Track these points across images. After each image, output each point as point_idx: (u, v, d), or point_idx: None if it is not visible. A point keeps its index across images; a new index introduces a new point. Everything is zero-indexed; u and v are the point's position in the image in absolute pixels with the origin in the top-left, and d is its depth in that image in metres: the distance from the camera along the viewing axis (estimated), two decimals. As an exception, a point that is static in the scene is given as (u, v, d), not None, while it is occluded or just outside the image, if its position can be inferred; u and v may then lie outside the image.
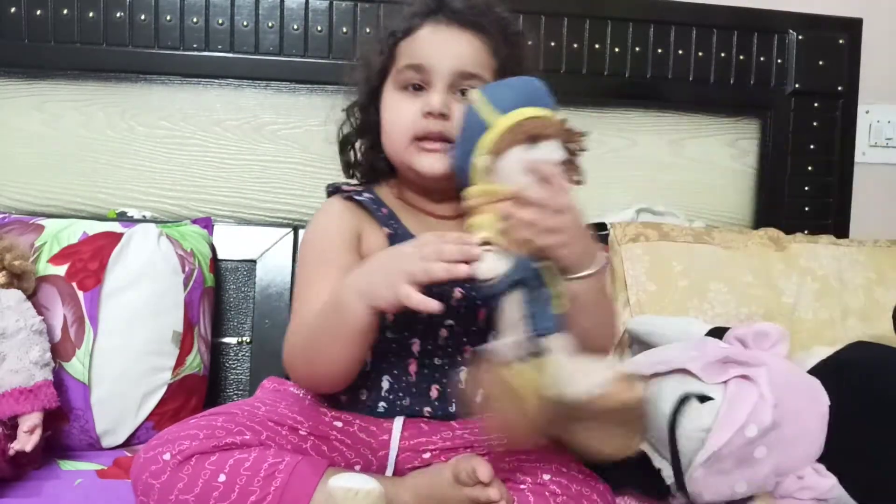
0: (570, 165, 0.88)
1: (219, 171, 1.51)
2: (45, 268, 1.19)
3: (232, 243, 1.40)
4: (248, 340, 1.36)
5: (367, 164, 1.09)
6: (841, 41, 1.64)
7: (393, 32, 1.05)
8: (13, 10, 1.42)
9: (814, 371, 1.03)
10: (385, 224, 1.01)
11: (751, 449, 0.91)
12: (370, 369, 0.99)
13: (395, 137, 1.01)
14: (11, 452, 1.00)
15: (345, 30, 1.49)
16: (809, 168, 1.65)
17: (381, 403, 0.97)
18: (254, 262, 1.39)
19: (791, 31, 1.62)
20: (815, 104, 1.63)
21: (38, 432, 1.02)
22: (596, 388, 0.76)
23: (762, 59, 1.62)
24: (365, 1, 1.48)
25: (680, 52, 1.59)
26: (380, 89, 1.05)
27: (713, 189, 1.65)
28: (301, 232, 1.35)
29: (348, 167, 1.12)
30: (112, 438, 1.17)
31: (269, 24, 1.48)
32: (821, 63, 1.63)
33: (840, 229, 1.63)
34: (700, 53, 1.60)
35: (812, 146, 1.64)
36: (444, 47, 1.02)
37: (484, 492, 0.80)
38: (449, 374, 0.98)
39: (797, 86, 1.63)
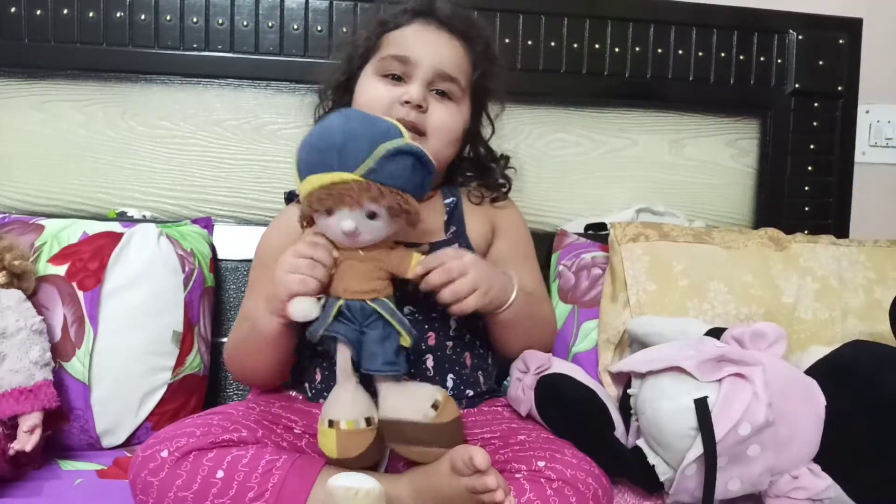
0: (395, 208, 0.89)
1: (219, 171, 1.52)
2: (45, 268, 1.19)
3: (232, 243, 1.40)
4: (248, 340, 1.35)
5: None
6: (841, 41, 1.64)
7: (383, 22, 1.09)
8: (13, 10, 1.43)
9: (810, 370, 1.03)
10: None
11: (744, 447, 0.91)
12: None
13: None
14: (11, 452, 1.00)
15: (345, 30, 1.49)
16: (809, 168, 1.65)
17: None
18: (254, 262, 1.40)
19: (791, 31, 1.62)
20: (815, 104, 1.64)
21: (38, 432, 1.02)
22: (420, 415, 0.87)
23: (762, 58, 1.62)
24: (365, 1, 1.49)
25: (680, 52, 1.60)
26: (358, 73, 1.09)
27: (713, 189, 1.65)
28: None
29: None
30: (112, 438, 1.17)
31: (269, 24, 1.48)
32: (821, 63, 1.63)
33: (840, 229, 1.64)
34: (700, 53, 1.60)
35: (812, 146, 1.64)
36: (429, 45, 1.06)
37: (481, 480, 0.81)
38: (418, 364, 1.02)
39: (797, 86, 1.63)
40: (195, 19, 1.46)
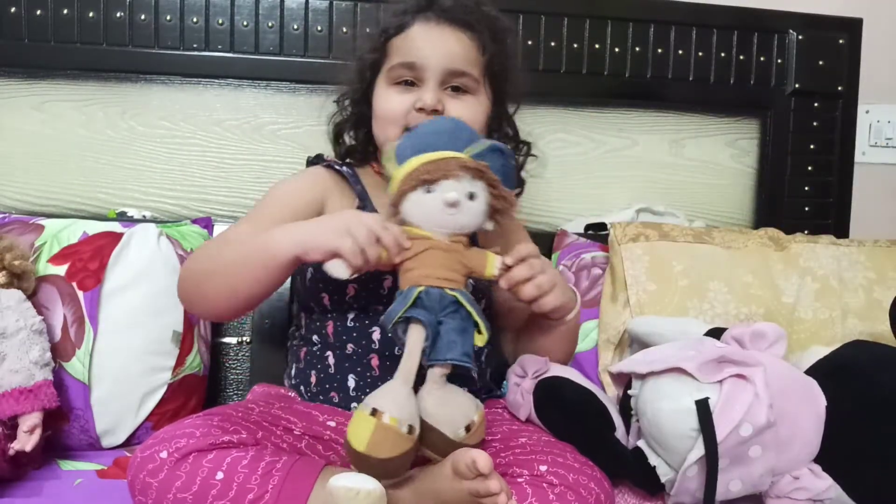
0: (494, 192, 0.90)
1: (218, 171, 1.52)
2: (45, 268, 1.19)
3: (232, 243, 1.40)
4: (248, 340, 1.35)
5: (362, 150, 1.14)
6: (841, 41, 1.64)
7: (385, 30, 1.09)
8: (13, 10, 1.43)
9: (810, 370, 1.03)
10: (358, 196, 1.08)
11: (745, 448, 0.91)
12: (335, 370, 1.01)
13: (387, 127, 1.06)
14: (11, 452, 1.00)
15: (345, 30, 1.49)
16: (809, 168, 1.65)
17: (353, 403, 1.01)
18: (254, 262, 1.40)
19: (791, 31, 1.62)
20: (815, 104, 1.64)
21: (38, 432, 1.02)
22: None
23: (762, 58, 1.62)
24: (365, 1, 1.49)
25: (680, 52, 1.59)
26: (372, 85, 1.08)
27: (713, 189, 1.65)
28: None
29: (340, 157, 1.17)
30: (112, 438, 1.17)
31: (269, 24, 1.48)
32: (821, 63, 1.63)
33: (840, 229, 1.63)
34: (700, 53, 1.60)
35: (812, 146, 1.64)
36: (435, 46, 1.05)
37: (484, 484, 0.80)
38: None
39: (797, 86, 1.63)
40: (195, 19, 1.46)
